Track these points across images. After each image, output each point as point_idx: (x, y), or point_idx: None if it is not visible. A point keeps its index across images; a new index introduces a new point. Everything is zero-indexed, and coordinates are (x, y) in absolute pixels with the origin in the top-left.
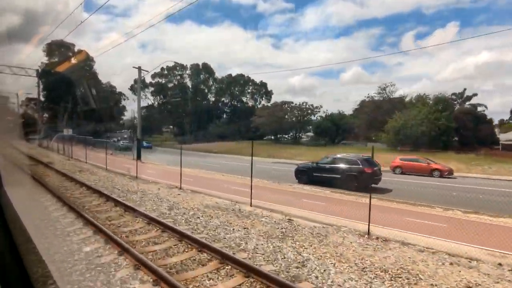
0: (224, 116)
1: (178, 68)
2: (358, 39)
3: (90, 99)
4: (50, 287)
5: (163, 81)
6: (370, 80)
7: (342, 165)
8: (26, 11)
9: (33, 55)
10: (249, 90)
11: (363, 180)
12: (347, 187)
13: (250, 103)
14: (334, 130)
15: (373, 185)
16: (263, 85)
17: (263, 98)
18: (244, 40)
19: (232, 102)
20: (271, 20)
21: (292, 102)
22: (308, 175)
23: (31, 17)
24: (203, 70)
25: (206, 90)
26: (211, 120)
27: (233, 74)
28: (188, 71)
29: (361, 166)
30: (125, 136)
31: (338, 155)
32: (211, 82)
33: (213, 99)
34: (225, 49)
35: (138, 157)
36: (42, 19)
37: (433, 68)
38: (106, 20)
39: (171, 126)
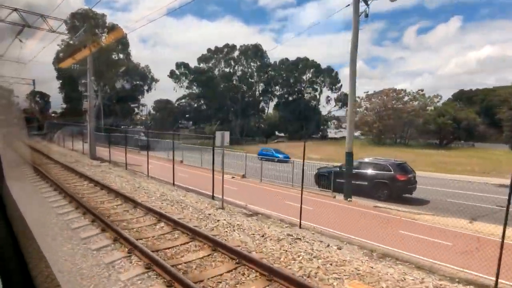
0: (271, 109)
1: (226, 50)
2: (360, 34)
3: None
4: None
5: (206, 67)
6: (372, 75)
7: (370, 171)
8: (27, 6)
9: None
10: (308, 78)
11: (395, 189)
12: (376, 196)
13: (302, 95)
14: (452, 128)
15: (406, 195)
16: (330, 71)
17: (328, 88)
18: (246, 35)
19: (290, 93)
20: (273, 15)
21: (405, 90)
22: (330, 181)
23: (31, 11)
24: (252, 54)
25: (255, 78)
26: (258, 114)
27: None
28: (236, 53)
29: (392, 172)
30: (142, 134)
31: (366, 159)
32: (253, 69)
33: (262, 86)
34: (227, 44)
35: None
36: (43, 14)
37: (435, 63)
38: (107, 15)
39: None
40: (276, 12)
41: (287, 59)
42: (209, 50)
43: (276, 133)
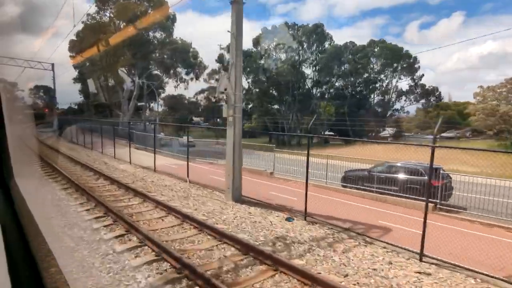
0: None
1: (289, 28)
2: (362, 29)
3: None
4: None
5: (258, 51)
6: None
7: (401, 175)
8: (26, 1)
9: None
10: (379, 66)
11: (429, 195)
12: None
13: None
14: None
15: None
16: (407, 56)
17: (402, 77)
18: (247, 30)
19: (354, 84)
20: (274, 10)
21: None
22: (357, 185)
23: (30, 7)
24: (310, 36)
25: (310, 65)
26: (309, 108)
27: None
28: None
29: (426, 177)
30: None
31: (398, 163)
32: (313, 55)
33: (316, 75)
34: (228, 39)
35: None
36: (42, 10)
37: (437, 59)
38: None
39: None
40: (277, 8)
41: (352, 42)
42: (264, 29)
43: (321, 131)
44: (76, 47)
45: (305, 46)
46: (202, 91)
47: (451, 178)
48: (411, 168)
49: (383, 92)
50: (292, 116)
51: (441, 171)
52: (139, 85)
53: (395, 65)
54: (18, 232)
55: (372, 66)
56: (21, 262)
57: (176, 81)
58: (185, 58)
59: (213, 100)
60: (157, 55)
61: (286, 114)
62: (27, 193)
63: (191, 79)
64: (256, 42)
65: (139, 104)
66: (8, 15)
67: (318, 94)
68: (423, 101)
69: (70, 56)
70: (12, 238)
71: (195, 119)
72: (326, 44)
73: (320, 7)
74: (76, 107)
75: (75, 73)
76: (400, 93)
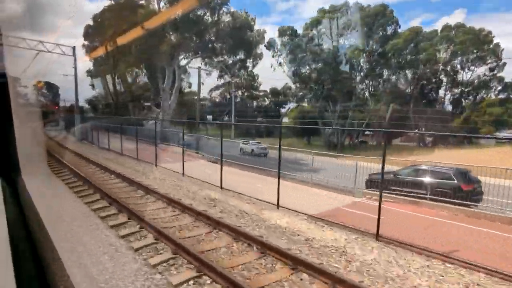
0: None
1: (342, 10)
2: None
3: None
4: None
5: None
6: None
7: (429, 179)
8: None
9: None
10: (447, 56)
11: (458, 199)
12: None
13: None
14: None
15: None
16: (487, 41)
17: (473, 67)
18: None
19: (416, 78)
20: (274, 7)
21: None
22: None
23: (31, 5)
24: (371, 20)
25: (373, 54)
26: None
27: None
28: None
29: (455, 181)
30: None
31: (424, 166)
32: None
33: (368, 66)
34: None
35: None
36: (43, 8)
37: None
38: None
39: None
40: (278, 5)
41: (418, 28)
42: (320, 10)
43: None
44: (95, 33)
45: (364, 30)
46: (217, 87)
47: (480, 182)
48: (439, 171)
49: (455, 84)
50: (348, 112)
51: (469, 175)
52: (180, 76)
53: (470, 56)
54: (24, 230)
55: (447, 54)
56: (25, 258)
57: (221, 72)
58: (245, 38)
59: (228, 96)
60: (210, 36)
61: (333, 109)
62: (33, 191)
63: (244, 67)
64: (309, 26)
65: (146, 103)
66: (15, 11)
67: (372, 88)
68: (502, 96)
69: (83, 45)
70: (18, 234)
71: (208, 117)
72: (389, 30)
73: (320, 5)
74: (87, 104)
75: (86, 66)
76: (479, 86)
